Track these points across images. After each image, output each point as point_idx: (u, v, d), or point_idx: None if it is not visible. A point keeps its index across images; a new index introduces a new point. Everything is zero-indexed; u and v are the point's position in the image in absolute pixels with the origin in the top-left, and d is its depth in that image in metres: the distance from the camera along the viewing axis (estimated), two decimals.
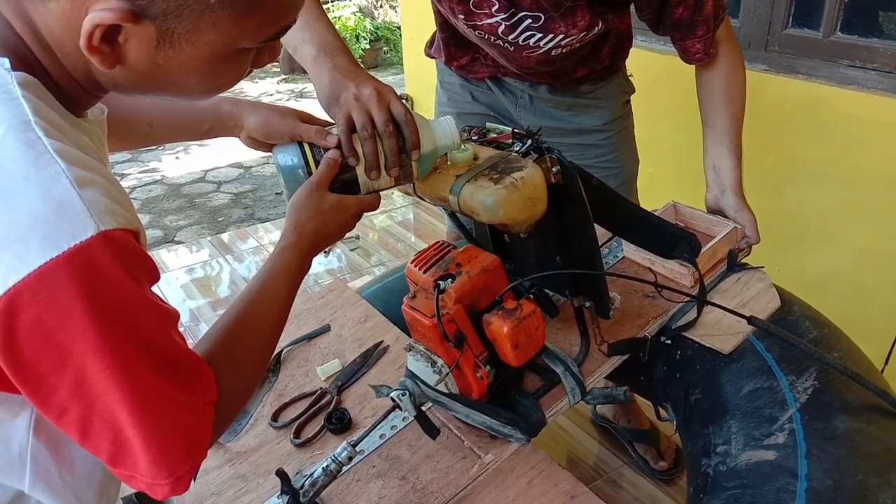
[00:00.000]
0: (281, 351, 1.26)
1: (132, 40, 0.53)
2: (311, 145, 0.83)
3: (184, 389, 0.56)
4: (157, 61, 0.55)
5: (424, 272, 0.91)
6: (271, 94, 6.15)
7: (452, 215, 0.98)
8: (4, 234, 0.47)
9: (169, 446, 0.54)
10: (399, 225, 3.31)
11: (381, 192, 0.86)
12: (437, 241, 0.96)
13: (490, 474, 0.92)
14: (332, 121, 0.87)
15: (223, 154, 4.80)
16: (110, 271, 0.50)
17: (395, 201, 3.49)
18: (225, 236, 3.39)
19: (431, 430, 0.95)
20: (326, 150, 0.82)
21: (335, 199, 0.79)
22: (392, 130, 0.80)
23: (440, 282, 0.87)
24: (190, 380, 0.57)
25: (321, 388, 1.16)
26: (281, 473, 0.85)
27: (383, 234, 3.21)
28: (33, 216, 0.48)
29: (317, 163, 0.82)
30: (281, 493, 0.87)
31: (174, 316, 0.56)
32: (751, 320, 0.92)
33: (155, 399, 0.53)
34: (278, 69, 6.84)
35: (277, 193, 3.98)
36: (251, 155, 4.71)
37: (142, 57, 0.54)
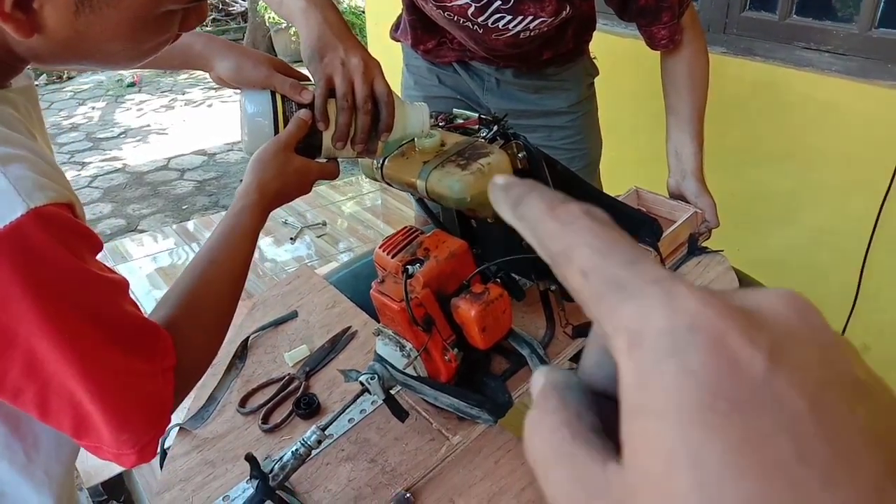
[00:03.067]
0: (248, 337, 1.26)
1: (48, 6, 0.50)
2: (283, 98, 0.80)
3: (139, 358, 0.55)
4: (77, 28, 0.52)
5: (392, 257, 0.92)
6: None
7: (420, 201, 0.98)
8: None
9: (129, 417, 0.54)
10: (367, 211, 3.30)
11: (339, 163, 0.85)
12: (405, 227, 0.97)
13: (458, 455, 0.94)
14: (309, 76, 0.84)
15: (186, 142, 4.73)
16: (46, 248, 0.49)
17: (363, 187, 3.48)
18: (190, 224, 3.35)
19: (400, 414, 0.96)
20: (299, 106, 0.79)
21: (300, 163, 0.77)
22: (370, 108, 0.79)
23: (408, 266, 0.88)
24: (145, 347, 0.56)
25: (289, 373, 1.16)
26: (250, 458, 0.85)
27: (351, 220, 3.20)
28: None
29: (286, 118, 0.79)
30: (250, 478, 0.87)
31: (122, 284, 0.55)
32: None
33: (109, 371, 0.53)
34: None
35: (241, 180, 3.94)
36: (215, 142, 4.65)
37: (61, 24, 0.51)
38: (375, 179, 0.89)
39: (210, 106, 5.51)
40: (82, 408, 0.52)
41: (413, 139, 0.86)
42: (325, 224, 3.13)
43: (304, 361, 1.19)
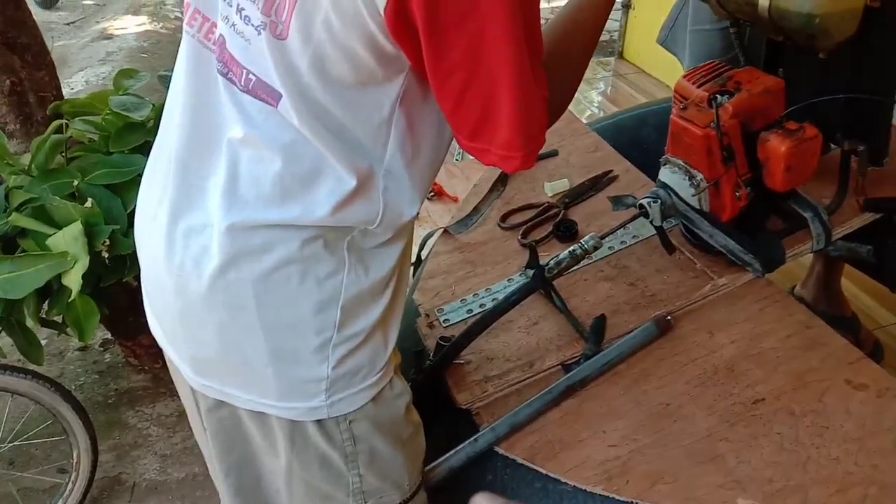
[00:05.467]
0: None
1: None
2: None
3: (538, 77, 0.59)
4: None
5: (699, 87, 0.91)
6: None
7: (738, 34, 0.95)
8: None
9: (529, 121, 0.58)
10: (599, 94, 3.25)
11: None
12: (711, 62, 0.95)
13: (721, 296, 0.95)
14: None
15: None
16: None
17: (598, 71, 3.42)
18: None
19: (669, 246, 0.98)
20: None
21: None
22: None
23: (718, 95, 0.88)
24: (539, 67, 0.60)
25: (548, 202, 1.22)
26: (531, 247, 0.92)
27: (577, 102, 3.18)
28: None
29: None
30: (527, 267, 0.94)
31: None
32: None
33: (527, 74, 0.56)
34: None
35: None
36: None
37: None
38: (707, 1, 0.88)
39: None
40: (495, 104, 0.56)
41: None
42: None
43: (564, 194, 1.23)
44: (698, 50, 1.38)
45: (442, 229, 1.24)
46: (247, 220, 0.60)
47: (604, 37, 4.27)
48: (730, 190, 0.89)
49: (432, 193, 2.35)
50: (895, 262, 1.09)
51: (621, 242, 1.07)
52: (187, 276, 0.63)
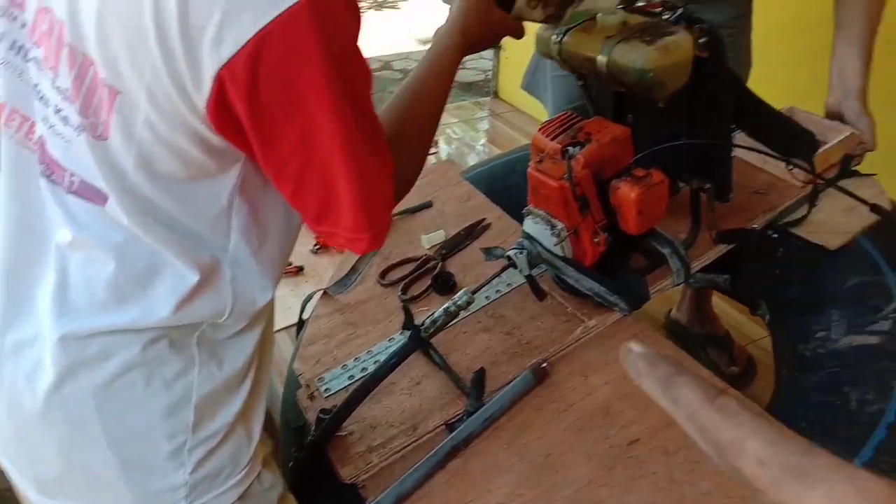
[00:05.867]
0: None
1: None
2: None
3: (377, 154, 0.60)
4: None
5: (552, 140, 0.94)
6: None
7: (584, 87, 1.00)
8: None
9: (372, 202, 0.58)
10: (477, 134, 3.32)
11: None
12: (565, 112, 0.99)
13: (592, 338, 0.98)
14: None
15: None
16: (343, 19, 0.52)
17: (474, 112, 3.49)
18: None
19: (539, 293, 1.00)
20: None
21: (500, 15, 0.80)
22: None
23: (569, 148, 0.91)
24: (380, 146, 0.60)
25: (426, 254, 1.22)
26: (406, 308, 0.92)
27: (460, 143, 3.24)
28: None
29: None
30: (403, 328, 0.94)
31: (372, 80, 0.58)
32: (873, 208, 0.93)
33: (363, 157, 0.56)
34: None
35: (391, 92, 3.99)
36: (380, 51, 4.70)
37: None
38: (549, 56, 0.92)
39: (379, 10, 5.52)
40: (334, 188, 0.56)
41: (594, 17, 0.87)
42: (435, 143, 3.18)
43: (441, 245, 1.24)
44: (559, 95, 1.44)
45: (321, 291, 1.22)
46: (80, 328, 0.56)
47: (479, 77, 4.37)
48: (588, 236, 0.92)
49: (318, 246, 2.33)
50: (750, 287, 1.16)
51: (497, 291, 1.09)
52: (20, 394, 0.59)
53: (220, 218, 0.58)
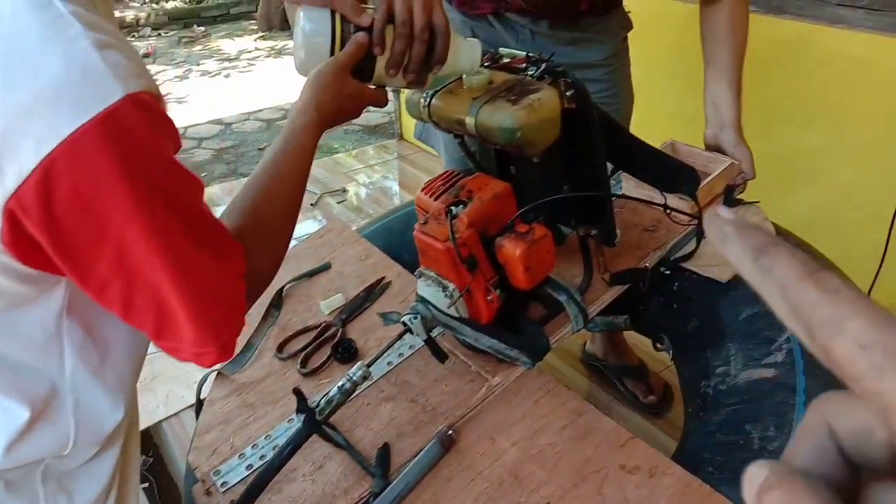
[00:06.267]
0: (282, 287, 1.27)
1: None
2: (342, 19, 0.79)
3: (217, 258, 0.56)
4: None
5: (435, 199, 0.92)
6: (250, 51, 6.04)
7: (462, 144, 0.98)
8: (33, 102, 0.46)
9: (212, 314, 0.54)
10: (385, 179, 3.30)
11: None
12: (446, 171, 0.97)
13: (498, 396, 0.95)
14: None
15: (202, 111, 4.73)
16: (142, 134, 0.48)
17: (381, 156, 3.48)
18: (210, 190, 3.36)
19: (440, 355, 0.97)
20: (358, 28, 0.79)
21: (356, 87, 0.78)
22: (427, 38, 0.78)
23: (452, 207, 0.89)
24: (221, 249, 0.57)
25: (325, 321, 1.18)
26: (297, 392, 0.87)
27: (370, 188, 3.21)
28: (59, 82, 0.46)
29: (343, 39, 0.79)
30: (297, 412, 0.89)
31: (201, 185, 0.55)
32: None
33: (194, 268, 0.53)
34: (256, 27, 6.71)
35: (260, 149, 3.94)
36: (231, 111, 4.65)
37: None
38: (421, 119, 0.90)
39: (227, 76, 5.50)
40: (166, 305, 0.52)
41: (460, 77, 0.86)
42: (344, 190, 3.13)
43: (340, 310, 1.20)
44: (450, 144, 1.43)
45: (216, 372, 1.15)
46: None
47: (383, 119, 4.39)
48: (482, 295, 0.90)
49: None
50: (651, 324, 1.16)
51: (399, 355, 1.05)
52: None
53: (50, 344, 0.52)
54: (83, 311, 0.54)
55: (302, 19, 0.79)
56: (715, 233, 0.25)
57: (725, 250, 0.24)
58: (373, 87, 0.83)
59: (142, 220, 0.48)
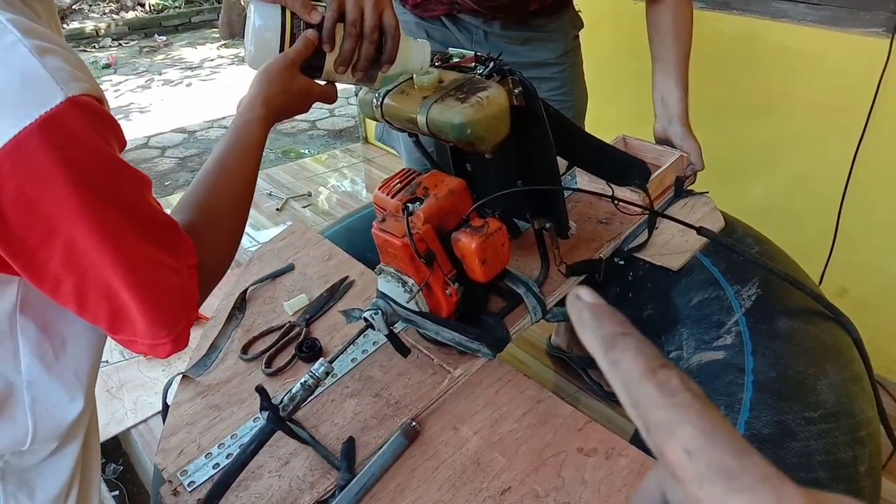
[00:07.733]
0: (246, 290, 1.28)
1: None
2: (292, 15, 0.80)
3: (167, 252, 0.57)
4: None
5: (392, 197, 0.94)
6: (212, 59, 6.00)
7: (417, 143, 1.01)
8: None
9: (164, 305, 0.56)
10: (351, 182, 3.31)
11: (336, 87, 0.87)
12: (403, 169, 0.99)
13: (460, 387, 0.97)
14: None
15: (165, 120, 4.69)
16: (84, 136, 0.50)
17: (347, 159, 3.49)
18: (173, 199, 3.33)
19: (402, 349, 0.99)
20: (307, 25, 0.80)
21: (304, 83, 0.79)
22: (376, 38, 0.80)
23: (409, 204, 0.91)
24: (171, 243, 0.58)
25: (289, 321, 1.19)
26: (260, 389, 0.88)
27: (335, 191, 3.22)
28: None
29: (293, 35, 0.80)
30: (261, 410, 0.90)
31: (148, 181, 0.57)
32: (700, 231, 0.98)
33: (143, 262, 0.54)
34: (218, 35, 6.67)
35: None
36: (194, 120, 4.62)
37: None
38: (374, 119, 0.92)
39: (189, 85, 5.45)
40: (119, 299, 0.53)
41: (412, 77, 0.88)
42: (310, 195, 3.13)
43: (304, 310, 1.21)
44: (408, 144, 1.45)
45: (181, 375, 1.16)
46: None
47: (347, 123, 4.40)
48: (440, 289, 0.92)
49: None
50: (622, 303, 1.19)
51: (363, 352, 1.07)
52: None
53: (3, 342, 0.53)
54: (37, 308, 0.55)
55: (253, 14, 0.80)
56: (574, 316, 0.25)
57: (581, 335, 0.25)
58: (322, 83, 0.84)
59: (88, 219, 0.50)
